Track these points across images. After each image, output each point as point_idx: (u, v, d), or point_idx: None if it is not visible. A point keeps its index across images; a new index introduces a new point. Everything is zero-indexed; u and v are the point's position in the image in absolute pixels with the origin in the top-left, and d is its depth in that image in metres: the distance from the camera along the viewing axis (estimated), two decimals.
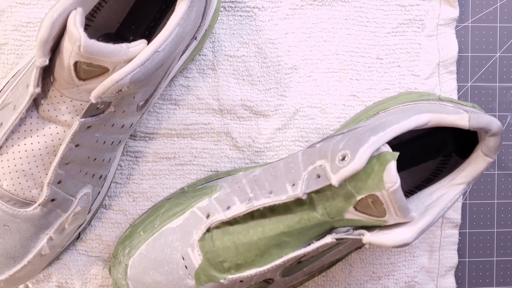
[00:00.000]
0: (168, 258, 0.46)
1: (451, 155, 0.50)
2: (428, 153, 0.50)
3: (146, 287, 0.46)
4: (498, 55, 0.56)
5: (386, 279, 0.54)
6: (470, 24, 0.56)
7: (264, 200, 0.44)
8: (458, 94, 0.55)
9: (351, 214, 0.42)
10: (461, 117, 0.43)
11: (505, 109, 0.56)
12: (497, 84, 0.56)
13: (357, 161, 0.39)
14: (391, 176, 0.38)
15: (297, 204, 0.43)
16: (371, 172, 0.39)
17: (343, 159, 0.40)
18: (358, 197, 0.40)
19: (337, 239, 0.42)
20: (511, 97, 0.56)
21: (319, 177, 0.42)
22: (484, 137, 0.44)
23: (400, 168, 0.39)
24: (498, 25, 0.56)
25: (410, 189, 0.51)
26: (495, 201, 0.56)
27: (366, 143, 0.40)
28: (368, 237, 0.40)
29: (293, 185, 0.43)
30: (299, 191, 0.42)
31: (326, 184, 0.41)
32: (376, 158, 0.39)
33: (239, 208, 0.45)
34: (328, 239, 0.42)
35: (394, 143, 0.41)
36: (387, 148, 0.40)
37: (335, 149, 0.41)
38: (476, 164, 0.45)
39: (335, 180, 0.40)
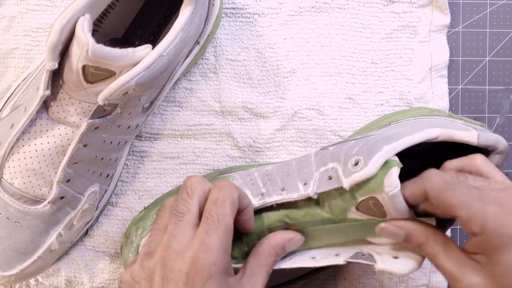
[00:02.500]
0: None
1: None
2: (431, 166, 0.50)
3: None
4: (487, 59, 0.56)
5: (380, 274, 0.54)
6: (461, 30, 0.56)
7: (276, 197, 0.43)
8: (449, 97, 0.55)
9: (353, 214, 0.42)
10: (470, 134, 0.43)
11: (494, 111, 0.56)
12: (487, 87, 0.56)
13: (370, 168, 0.39)
14: (392, 180, 0.38)
15: (304, 199, 0.43)
16: (374, 176, 0.39)
17: (356, 164, 0.40)
18: (359, 199, 0.40)
19: (348, 262, 0.42)
20: (500, 100, 0.56)
21: (330, 178, 0.41)
22: (490, 155, 0.44)
23: (402, 179, 0.40)
24: (488, 30, 0.56)
25: None
26: None
27: (379, 151, 0.40)
28: (380, 265, 0.40)
29: (305, 184, 0.43)
30: (310, 190, 0.42)
31: (337, 186, 0.41)
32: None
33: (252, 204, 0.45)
34: (340, 261, 0.42)
35: (401, 153, 0.41)
36: (394, 157, 0.40)
37: (348, 154, 0.42)
38: None
39: (346, 183, 0.40)
